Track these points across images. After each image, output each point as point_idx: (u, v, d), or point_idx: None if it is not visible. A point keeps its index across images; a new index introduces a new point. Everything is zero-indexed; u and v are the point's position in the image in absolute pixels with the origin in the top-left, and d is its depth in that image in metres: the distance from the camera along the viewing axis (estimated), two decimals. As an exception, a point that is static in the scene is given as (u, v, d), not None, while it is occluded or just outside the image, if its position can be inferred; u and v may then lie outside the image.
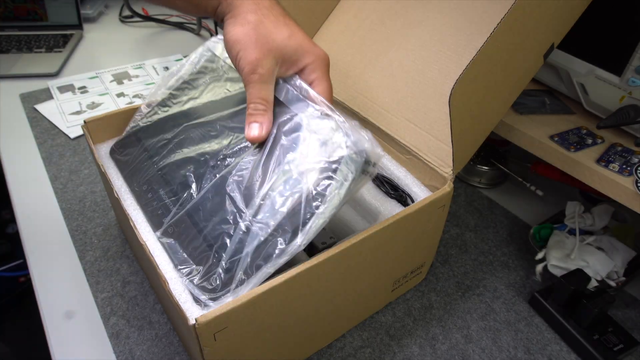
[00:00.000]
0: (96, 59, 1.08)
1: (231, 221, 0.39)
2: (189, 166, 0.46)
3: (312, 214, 0.36)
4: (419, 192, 0.51)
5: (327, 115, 0.40)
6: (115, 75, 1.01)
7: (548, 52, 0.50)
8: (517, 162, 0.75)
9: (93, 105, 0.90)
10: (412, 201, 0.50)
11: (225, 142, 0.46)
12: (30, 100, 0.91)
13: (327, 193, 0.36)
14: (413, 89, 0.54)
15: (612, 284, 0.56)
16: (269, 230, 0.37)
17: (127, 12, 1.23)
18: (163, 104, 0.54)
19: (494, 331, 0.54)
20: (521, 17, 0.42)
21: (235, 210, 0.39)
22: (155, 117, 0.53)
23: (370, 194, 0.53)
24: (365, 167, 0.38)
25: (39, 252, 0.61)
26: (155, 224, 0.45)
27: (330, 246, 0.41)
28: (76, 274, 0.58)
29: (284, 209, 0.37)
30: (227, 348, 0.38)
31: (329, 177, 0.36)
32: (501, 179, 0.77)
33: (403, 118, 0.54)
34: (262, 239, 0.37)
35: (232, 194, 0.41)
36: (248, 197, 0.39)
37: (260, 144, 0.42)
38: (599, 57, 0.57)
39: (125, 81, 0.99)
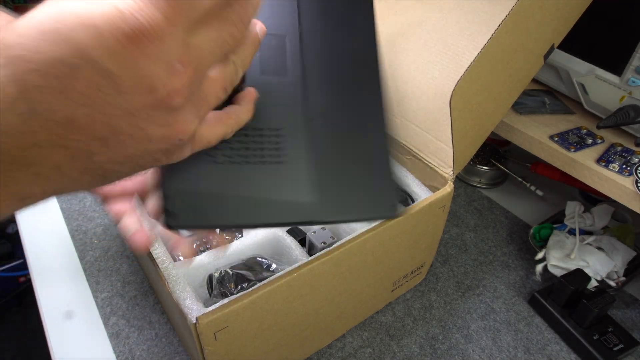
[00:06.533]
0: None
1: None
2: None
3: None
4: (420, 193, 0.51)
5: None
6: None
7: (548, 53, 0.51)
8: (517, 162, 0.75)
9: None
10: (413, 201, 0.50)
11: None
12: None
13: None
14: (413, 89, 0.54)
15: (612, 284, 0.56)
16: None
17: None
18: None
19: (494, 331, 0.54)
20: (522, 18, 0.42)
21: None
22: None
23: (371, 194, 0.53)
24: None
25: (39, 252, 0.61)
26: None
27: (330, 246, 0.41)
28: (76, 274, 0.58)
29: None
30: (228, 347, 0.38)
31: None
32: (501, 179, 0.77)
33: (403, 118, 0.54)
34: None
35: None
36: None
37: None
38: (599, 57, 0.57)
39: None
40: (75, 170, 0.21)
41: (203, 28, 0.21)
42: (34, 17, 0.19)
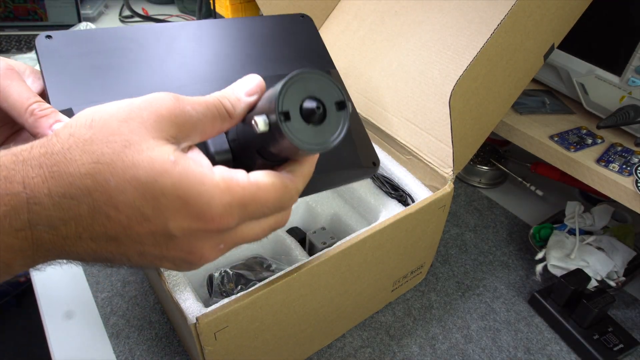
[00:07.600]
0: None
1: None
2: None
3: None
4: (420, 192, 0.51)
5: None
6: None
7: (548, 53, 0.51)
8: (517, 162, 0.75)
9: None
10: (413, 201, 0.50)
11: None
12: (30, 100, 0.91)
13: None
14: (413, 89, 0.54)
15: (612, 284, 0.56)
16: None
17: (127, 12, 1.23)
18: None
19: (494, 331, 0.54)
20: (521, 18, 0.42)
21: None
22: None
23: (371, 193, 0.53)
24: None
25: (39, 252, 0.61)
26: None
27: (330, 246, 0.41)
28: (76, 274, 0.58)
29: None
30: (228, 348, 0.38)
31: None
32: (501, 179, 0.77)
33: (403, 118, 0.54)
34: None
35: None
36: None
37: None
38: (599, 57, 0.57)
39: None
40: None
41: (253, 223, 0.26)
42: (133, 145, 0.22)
